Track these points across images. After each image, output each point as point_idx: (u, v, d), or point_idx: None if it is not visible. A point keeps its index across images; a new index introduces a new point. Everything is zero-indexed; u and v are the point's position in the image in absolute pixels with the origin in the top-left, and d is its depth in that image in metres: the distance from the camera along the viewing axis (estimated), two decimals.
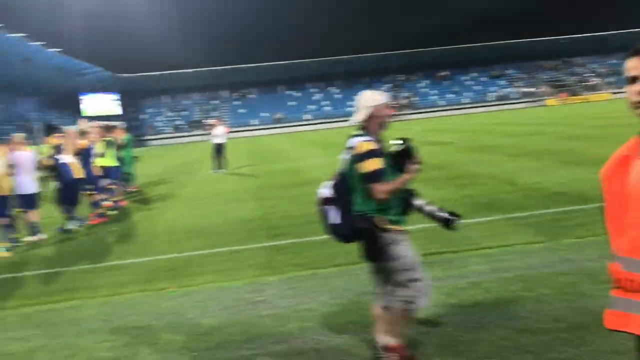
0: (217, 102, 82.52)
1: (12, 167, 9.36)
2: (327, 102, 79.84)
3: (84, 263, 7.74)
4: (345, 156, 3.72)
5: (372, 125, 3.64)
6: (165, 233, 9.33)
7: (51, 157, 10.51)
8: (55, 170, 10.25)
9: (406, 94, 79.66)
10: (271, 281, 5.94)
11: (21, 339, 4.89)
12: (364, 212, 3.59)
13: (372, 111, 3.61)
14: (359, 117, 3.65)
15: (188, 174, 20.94)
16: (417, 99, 79.56)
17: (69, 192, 10.29)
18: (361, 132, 3.65)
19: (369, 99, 3.65)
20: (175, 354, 4.28)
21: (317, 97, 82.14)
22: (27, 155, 9.69)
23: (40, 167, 10.50)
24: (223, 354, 4.22)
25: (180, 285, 6.07)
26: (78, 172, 10.47)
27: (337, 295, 5.30)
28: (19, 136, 9.91)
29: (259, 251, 7.35)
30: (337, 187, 3.74)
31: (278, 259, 6.84)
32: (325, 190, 3.78)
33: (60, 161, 10.26)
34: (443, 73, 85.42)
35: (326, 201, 3.75)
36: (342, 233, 3.72)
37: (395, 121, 65.05)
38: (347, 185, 3.69)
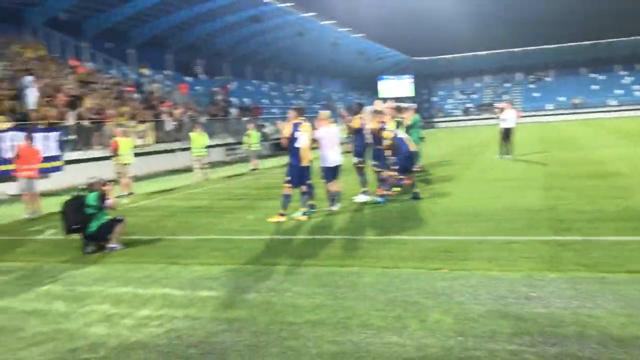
0: (509, 85, 79.52)
1: (316, 141, 10.49)
2: (639, 87, 70.27)
3: (368, 234, 8.32)
4: None
5: None
6: (444, 214, 9.44)
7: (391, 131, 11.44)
8: (394, 143, 11.20)
9: None
10: (550, 278, 5.56)
11: (307, 295, 5.51)
12: None
13: None
14: None
15: (472, 157, 20.76)
16: None
17: (404, 162, 11.18)
18: None
19: None
20: (442, 335, 4.34)
21: (626, 80, 72.91)
22: (332, 130, 10.68)
23: (385, 141, 11.43)
24: (490, 344, 4.13)
25: (452, 268, 6.10)
26: (412, 145, 11.51)
27: (627, 304, 4.71)
28: (324, 113, 10.97)
29: (539, 244, 6.93)
30: None
31: (561, 255, 6.35)
32: None
33: (398, 136, 11.23)
34: None
35: None
36: None
37: None
38: None
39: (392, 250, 7.15)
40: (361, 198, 11.27)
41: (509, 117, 19.51)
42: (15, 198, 14.70)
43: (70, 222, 8.34)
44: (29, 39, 29.16)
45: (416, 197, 11.09)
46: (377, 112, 12.26)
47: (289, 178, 10.03)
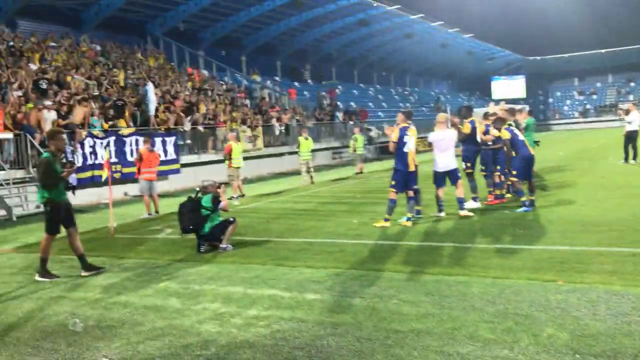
0: (634, 84, 73.82)
1: (431, 145, 10.30)
2: None
3: (477, 242, 8.05)
4: None
5: None
6: (559, 222, 8.93)
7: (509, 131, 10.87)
8: (513, 145, 10.69)
9: None
10: None
11: (413, 303, 5.41)
12: None
13: None
14: None
15: (592, 162, 19.50)
16: None
17: (525, 166, 10.60)
18: None
19: None
20: (556, 351, 4.09)
21: None
22: (447, 134, 10.30)
23: (503, 141, 10.93)
24: None
25: (568, 280, 5.74)
26: (531, 149, 10.96)
27: None
28: (441, 116, 10.67)
29: None
30: None
31: None
32: None
33: (518, 137, 10.75)
34: None
35: None
36: None
37: None
38: None
39: (502, 259, 6.87)
40: (471, 204, 10.90)
41: (634, 119, 18.15)
42: (136, 199, 15.75)
43: (186, 222, 8.80)
44: (151, 48, 31.22)
45: (530, 204, 10.51)
46: (490, 115, 11.86)
47: (394, 182, 9.92)
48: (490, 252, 7.35)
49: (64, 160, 8.38)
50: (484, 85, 73.79)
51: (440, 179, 10.27)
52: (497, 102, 14.05)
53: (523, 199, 10.43)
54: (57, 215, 7.53)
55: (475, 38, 59.58)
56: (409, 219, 9.82)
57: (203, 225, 8.66)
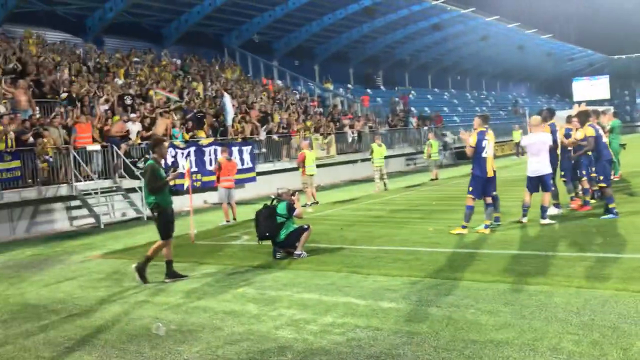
0: None
1: (522, 148, 10.02)
2: None
3: (559, 250, 7.74)
4: None
5: None
6: None
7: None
8: (596, 145, 10.27)
9: None
10: None
11: (491, 313, 5.25)
12: None
13: None
14: None
15: None
16: None
17: (606, 169, 10.20)
18: None
19: None
20: None
21: None
22: (540, 137, 9.79)
23: (587, 140, 10.40)
24: None
25: None
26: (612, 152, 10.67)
27: None
28: (536, 119, 10.19)
29: None
30: None
31: None
32: None
33: (602, 139, 10.37)
34: None
35: None
36: None
37: None
38: None
39: (587, 268, 6.57)
40: (552, 211, 10.48)
41: None
42: (215, 206, 16.21)
43: (262, 229, 8.98)
44: (228, 61, 32.16)
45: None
46: (570, 117, 11.39)
47: (471, 189, 9.69)
48: (573, 260, 7.03)
49: (170, 166, 8.70)
50: (564, 87, 70.97)
51: (531, 184, 9.90)
52: (580, 103, 13.46)
53: (611, 205, 9.90)
54: (168, 219, 7.88)
55: (554, 38, 57.37)
56: (487, 227, 9.56)
57: (278, 232, 8.80)
